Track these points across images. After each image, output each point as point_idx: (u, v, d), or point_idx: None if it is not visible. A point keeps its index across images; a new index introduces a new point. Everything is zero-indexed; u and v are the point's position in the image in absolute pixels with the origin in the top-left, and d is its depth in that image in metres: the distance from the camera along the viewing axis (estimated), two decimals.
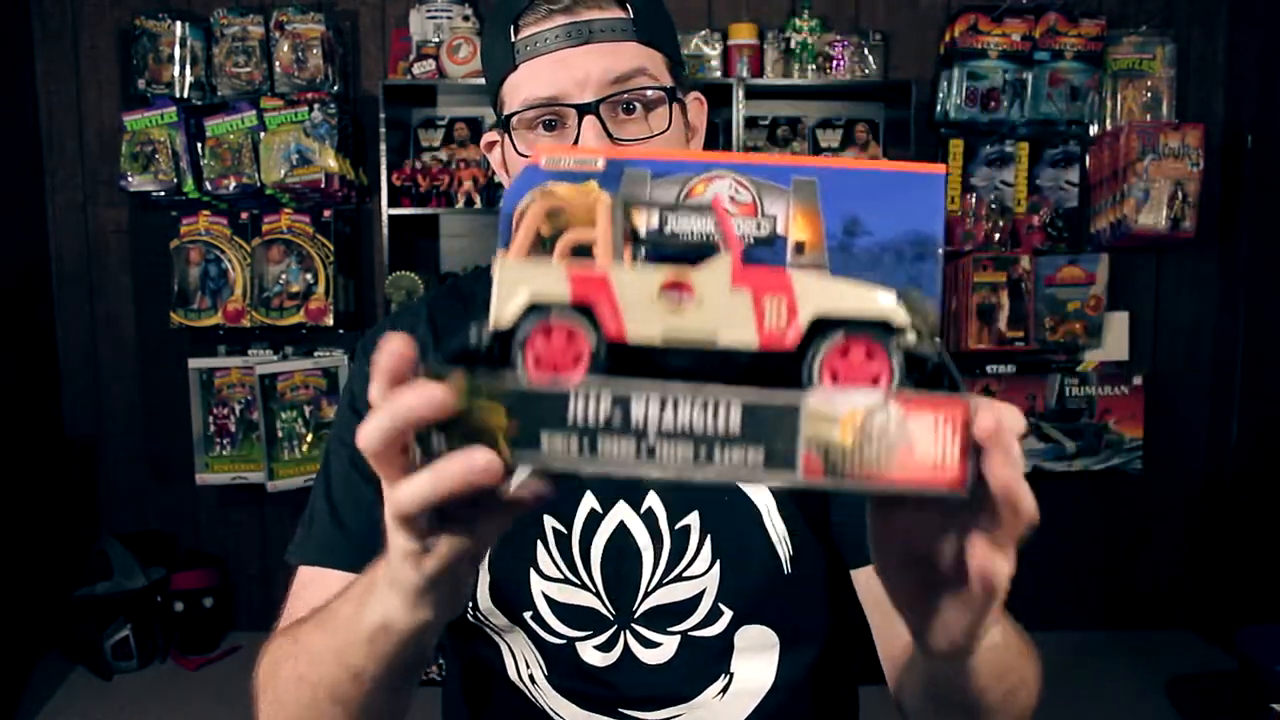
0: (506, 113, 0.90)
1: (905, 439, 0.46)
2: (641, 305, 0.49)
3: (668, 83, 0.90)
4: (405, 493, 0.50)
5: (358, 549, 0.89)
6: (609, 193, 0.52)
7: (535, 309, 0.50)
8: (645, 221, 0.52)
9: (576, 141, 0.86)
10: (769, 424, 0.46)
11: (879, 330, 0.49)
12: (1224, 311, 3.50)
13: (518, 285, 0.50)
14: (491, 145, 0.99)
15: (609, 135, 0.86)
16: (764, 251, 0.53)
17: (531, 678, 0.99)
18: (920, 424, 0.46)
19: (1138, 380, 3.40)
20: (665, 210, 0.52)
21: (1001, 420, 0.46)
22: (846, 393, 0.47)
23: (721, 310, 0.49)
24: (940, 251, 0.53)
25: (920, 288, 0.52)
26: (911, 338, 0.49)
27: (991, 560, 0.49)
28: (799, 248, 0.53)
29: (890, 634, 0.87)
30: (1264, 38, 3.33)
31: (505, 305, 0.50)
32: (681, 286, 0.50)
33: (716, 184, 0.54)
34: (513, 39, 0.88)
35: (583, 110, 0.85)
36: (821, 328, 0.49)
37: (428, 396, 0.48)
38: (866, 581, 0.90)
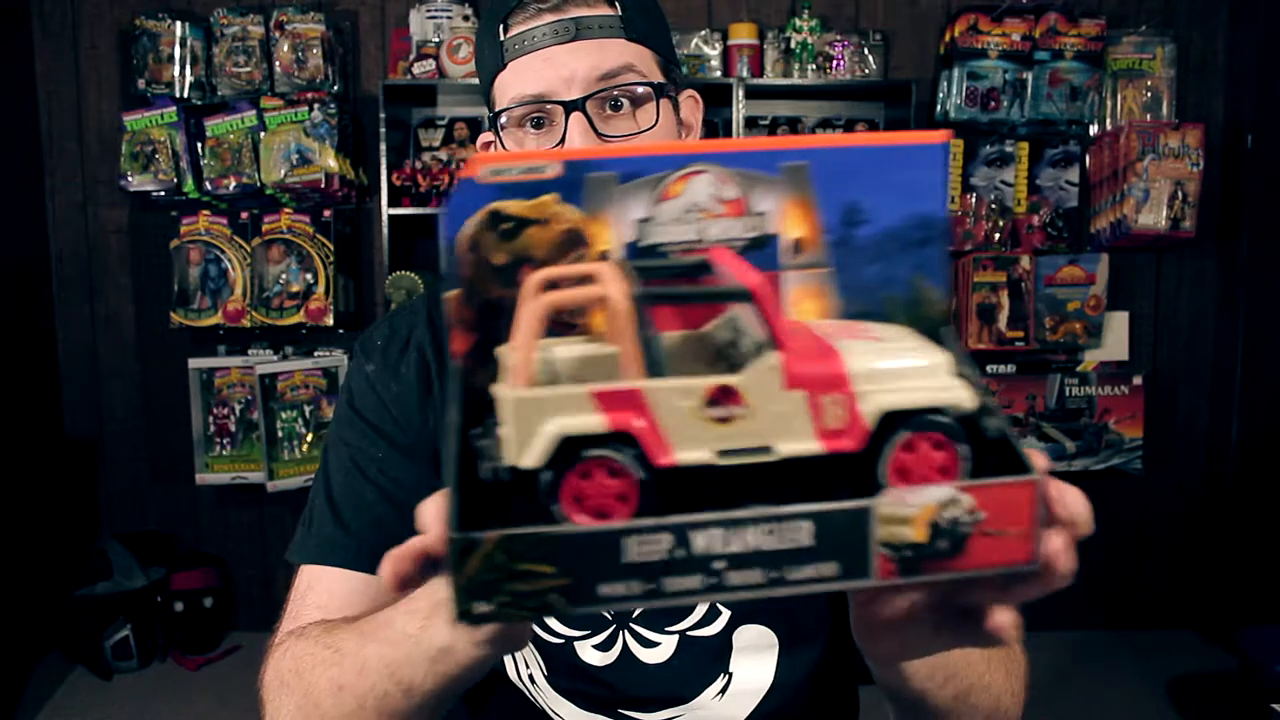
0: (496, 111, 0.90)
1: (977, 527, 0.43)
2: (686, 421, 0.44)
3: (657, 79, 0.90)
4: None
5: (360, 547, 0.89)
6: (625, 275, 0.44)
7: (566, 445, 0.43)
8: (616, 235, 0.47)
9: (563, 139, 0.86)
10: (840, 534, 0.43)
11: (946, 422, 0.46)
12: (1224, 311, 3.49)
13: (537, 420, 0.43)
14: (488, 145, 0.99)
15: (596, 132, 0.86)
16: (756, 256, 0.48)
17: (531, 678, 0.99)
18: (992, 511, 0.43)
19: (1138, 380, 3.40)
20: (639, 223, 0.47)
21: (1074, 511, 0.46)
22: (917, 491, 0.43)
23: (775, 417, 0.44)
24: (946, 234, 0.50)
25: (926, 275, 0.50)
26: (983, 420, 0.46)
27: (1009, 616, 0.48)
28: (796, 247, 0.49)
29: None
30: (1264, 38, 3.33)
31: (527, 445, 0.43)
32: (729, 395, 0.44)
33: (696, 182, 0.48)
34: (501, 38, 0.88)
35: (569, 107, 0.85)
36: (886, 423, 0.45)
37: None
38: None
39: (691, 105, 1.01)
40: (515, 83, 0.87)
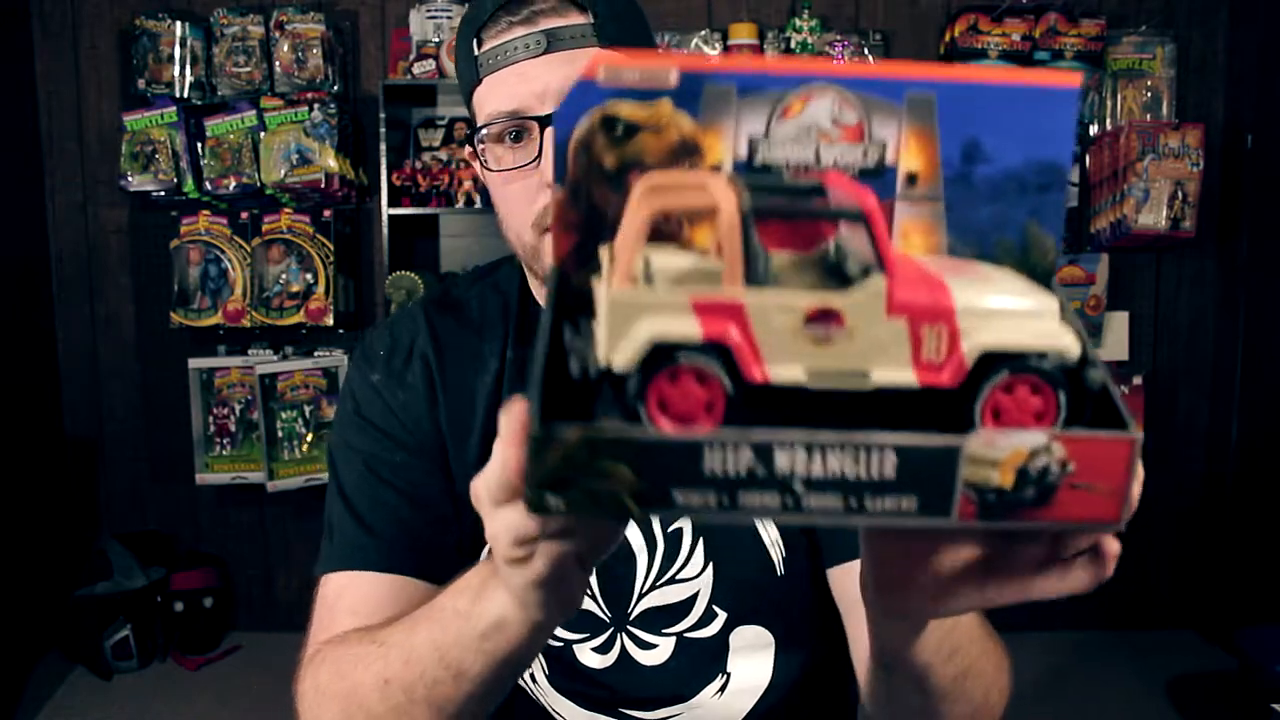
0: (473, 128, 0.90)
1: (1066, 479, 0.42)
2: (783, 338, 0.43)
3: None
4: (503, 524, 0.48)
5: (388, 549, 0.88)
6: (737, 189, 0.43)
7: (659, 350, 0.42)
8: (730, 149, 0.46)
9: (539, 154, 0.85)
10: (925, 469, 0.42)
11: (1047, 367, 0.44)
12: (1224, 311, 3.50)
13: (633, 321, 0.42)
14: (474, 158, 0.98)
15: None
16: (871, 184, 0.47)
17: (533, 677, 0.99)
18: (1084, 464, 0.42)
19: (1138, 380, 3.40)
20: (754, 139, 0.45)
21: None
22: (1009, 434, 0.42)
23: (874, 343, 0.43)
24: (1065, 182, 0.48)
25: (1042, 222, 0.48)
26: (1086, 371, 0.44)
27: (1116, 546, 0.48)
28: (910, 179, 0.47)
29: (864, 635, 0.86)
30: (1264, 38, 3.33)
31: (620, 345, 0.42)
32: (829, 315, 0.43)
33: (816, 102, 0.46)
34: (476, 52, 0.87)
35: (544, 122, 0.84)
36: (986, 362, 0.44)
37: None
38: (841, 580, 0.90)
39: None
40: (490, 98, 0.87)
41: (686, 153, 0.47)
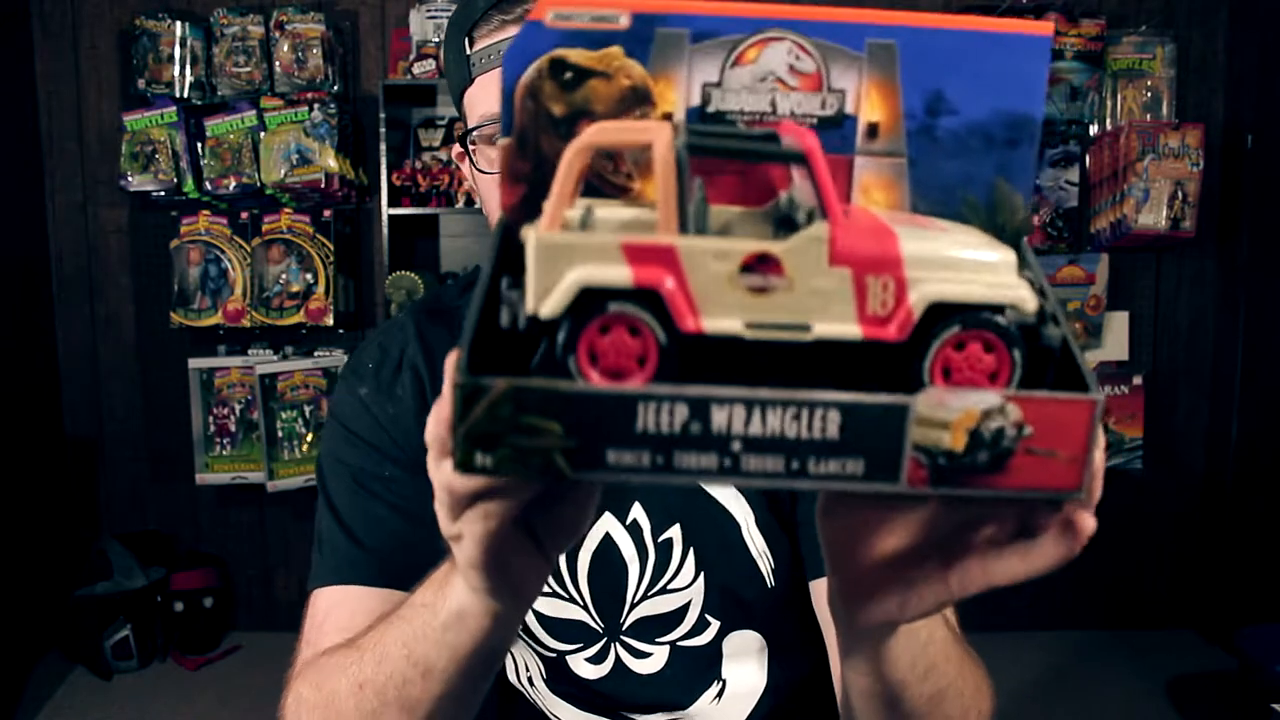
0: (465, 129, 0.88)
1: (1022, 443, 0.39)
2: (718, 287, 0.40)
3: None
4: (438, 483, 0.46)
5: (379, 563, 0.87)
6: (668, 132, 0.41)
7: (587, 296, 0.40)
8: (682, 97, 0.43)
9: None
10: (870, 430, 0.39)
11: (1002, 322, 0.41)
12: (1224, 311, 3.49)
13: (560, 265, 0.40)
14: (463, 156, 0.97)
15: None
16: (830, 136, 0.45)
17: (530, 680, 0.99)
18: (1042, 427, 0.39)
19: (1138, 380, 3.40)
20: (708, 87, 0.43)
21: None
22: (960, 393, 0.39)
23: (815, 293, 0.41)
24: (1037, 136, 0.45)
25: (1011, 179, 0.45)
26: (1043, 328, 0.42)
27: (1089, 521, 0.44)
28: (871, 130, 0.45)
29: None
30: (1264, 38, 3.32)
31: (547, 292, 0.40)
32: (768, 263, 0.41)
33: (772, 49, 0.44)
34: (467, 51, 0.85)
35: None
36: (935, 315, 0.41)
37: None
38: (822, 594, 0.88)
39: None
40: (483, 99, 0.85)
41: (638, 100, 0.45)
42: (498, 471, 0.40)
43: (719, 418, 0.39)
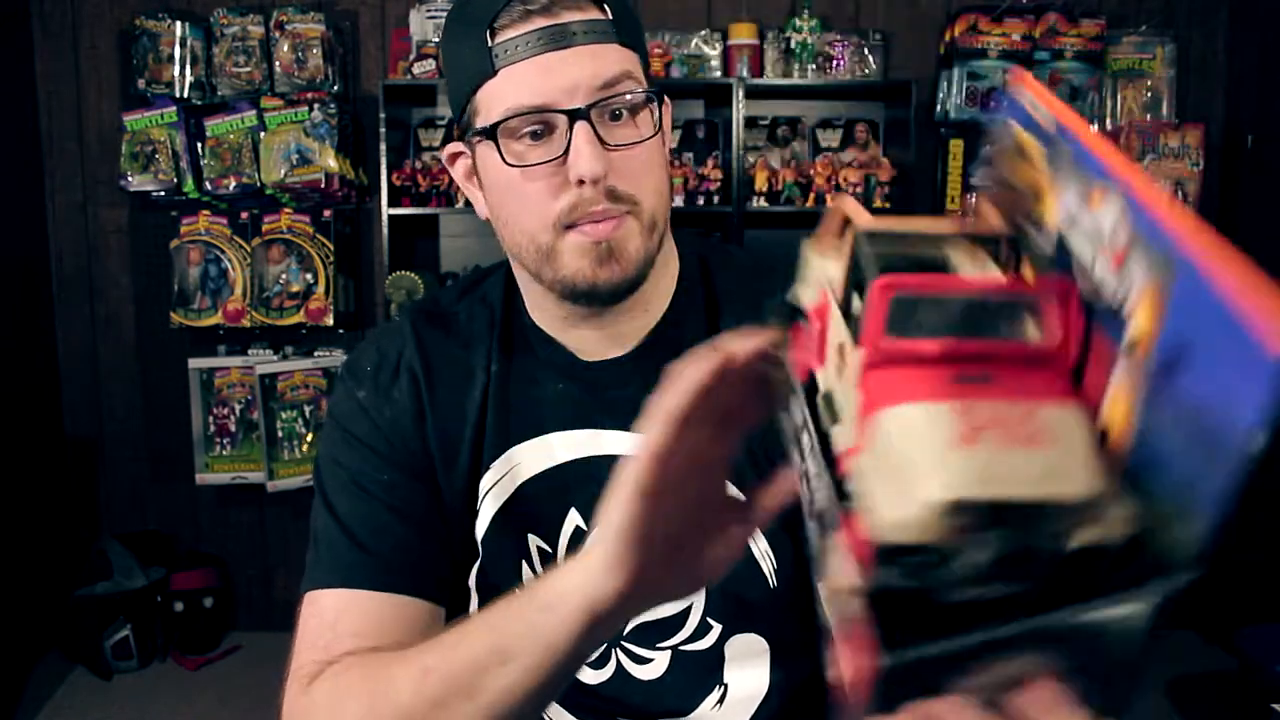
0: (489, 122, 0.84)
1: (848, 636, 0.42)
2: (832, 353, 0.46)
3: (646, 85, 0.87)
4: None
5: (384, 567, 0.86)
6: (863, 236, 0.42)
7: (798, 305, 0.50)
8: (1057, 216, 0.42)
9: (567, 150, 0.81)
10: (825, 523, 0.45)
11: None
12: None
13: (804, 274, 0.50)
14: (456, 157, 0.93)
15: (601, 141, 0.82)
16: (1108, 322, 0.38)
17: None
18: (854, 641, 0.41)
19: None
20: (1070, 217, 0.40)
21: None
22: (843, 557, 0.41)
23: (848, 401, 0.43)
24: (1232, 468, 0.33)
25: (1189, 500, 0.35)
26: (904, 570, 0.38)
27: None
28: (1130, 347, 0.37)
29: None
30: (1264, 38, 3.32)
31: (800, 287, 0.51)
32: (844, 356, 0.44)
33: (1109, 207, 0.39)
34: (490, 44, 0.82)
35: (574, 116, 0.81)
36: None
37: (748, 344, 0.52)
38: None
39: (666, 110, 0.96)
40: (510, 92, 0.82)
41: (1035, 198, 0.44)
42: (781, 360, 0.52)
43: (805, 440, 0.49)
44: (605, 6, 0.84)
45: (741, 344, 0.52)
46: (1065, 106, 0.43)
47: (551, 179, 0.83)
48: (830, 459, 0.44)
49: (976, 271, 0.43)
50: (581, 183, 0.81)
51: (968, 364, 0.40)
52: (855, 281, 0.42)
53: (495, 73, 0.83)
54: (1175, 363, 0.35)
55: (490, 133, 0.84)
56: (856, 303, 0.42)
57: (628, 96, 0.84)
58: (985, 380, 0.39)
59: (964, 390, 0.39)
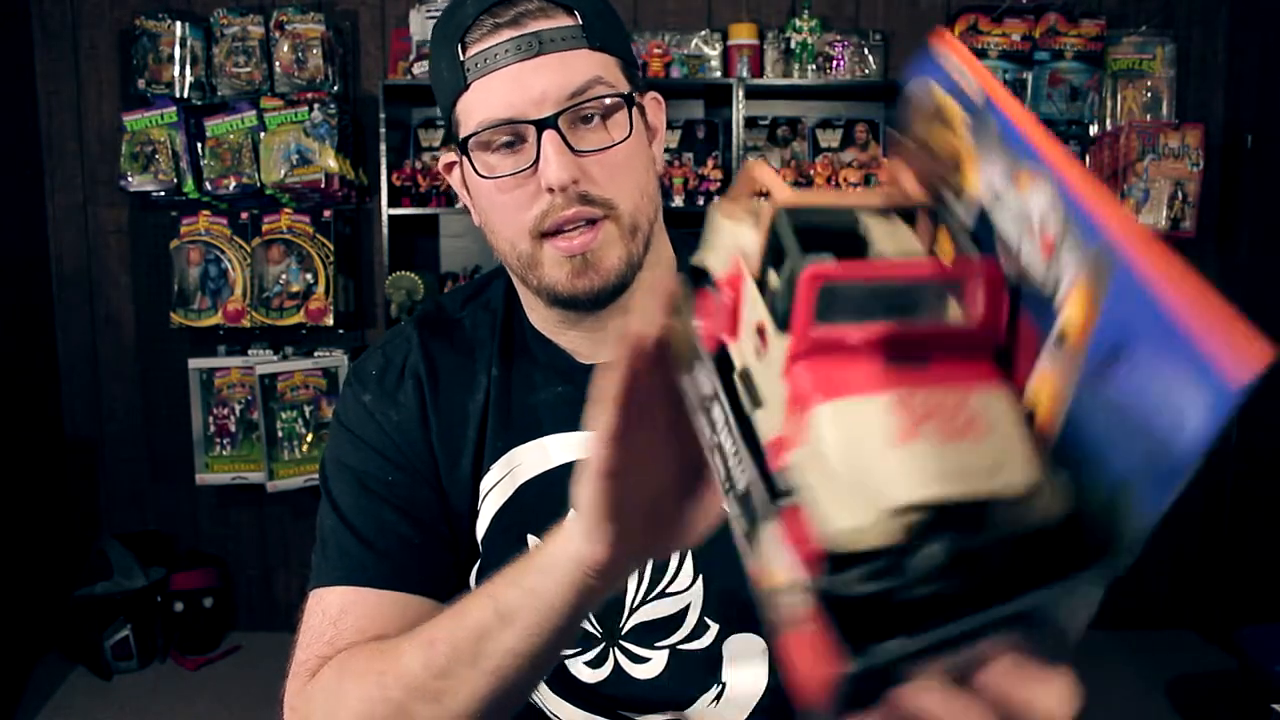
0: (463, 135, 0.87)
1: (797, 633, 0.39)
2: (747, 329, 0.43)
3: (624, 88, 0.87)
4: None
5: (390, 566, 0.87)
6: (778, 207, 0.41)
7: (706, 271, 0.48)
8: (979, 187, 0.42)
9: (537, 159, 0.83)
10: (752, 512, 0.43)
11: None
12: None
13: (710, 239, 0.48)
14: (450, 167, 0.96)
15: (570, 148, 0.83)
16: (1034, 307, 0.39)
17: None
18: (810, 639, 0.38)
19: None
20: (994, 193, 0.40)
21: None
22: (782, 549, 0.40)
23: (773, 387, 0.41)
24: (1173, 484, 0.34)
25: (1138, 500, 0.36)
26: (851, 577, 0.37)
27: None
28: (1060, 338, 0.37)
29: None
30: (1264, 38, 3.33)
31: (705, 253, 0.48)
32: (763, 337, 0.42)
33: (1039, 190, 0.39)
34: (461, 57, 0.84)
35: (541, 125, 0.83)
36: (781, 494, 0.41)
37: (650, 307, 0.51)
38: None
39: (655, 108, 0.96)
40: (481, 105, 0.84)
41: (955, 166, 0.44)
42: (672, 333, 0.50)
43: (716, 412, 0.46)
44: (576, 12, 0.85)
45: (647, 324, 0.50)
46: (993, 78, 0.42)
47: (524, 188, 0.85)
48: (754, 445, 0.42)
49: (895, 245, 0.43)
50: (552, 190, 0.83)
51: (896, 349, 0.39)
52: (773, 258, 0.41)
53: (468, 86, 0.85)
54: (1112, 360, 0.35)
55: (464, 146, 0.86)
56: (774, 279, 0.41)
57: (599, 101, 0.85)
58: (915, 364, 0.39)
59: (896, 378, 0.39)
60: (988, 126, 0.41)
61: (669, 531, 0.59)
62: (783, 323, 0.40)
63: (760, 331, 0.42)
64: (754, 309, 0.42)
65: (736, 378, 0.44)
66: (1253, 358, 0.33)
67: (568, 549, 0.60)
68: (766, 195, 0.47)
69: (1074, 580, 0.37)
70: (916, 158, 0.45)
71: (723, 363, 0.46)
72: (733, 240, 0.45)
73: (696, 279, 0.49)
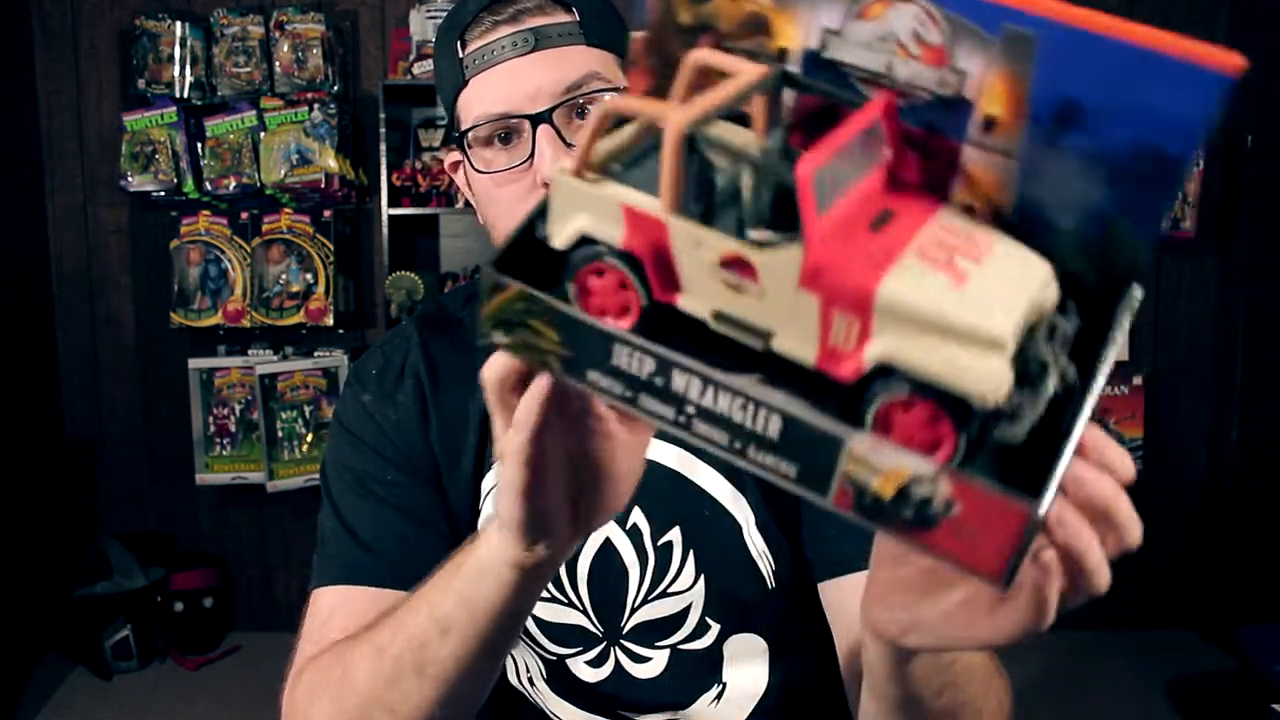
0: (461, 130, 0.88)
1: (949, 517, 0.38)
2: (700, 271, 0.42)
3: (621, 83, 0.87)
4: (486, 375, 0.53)
5: (385, 565, 0.87)
6: (682, 114, 0.39)
7: (586, 241, 0.44)
8: (801, 37, 0.42)
9: (532, 154, 0.84)
10: (807, 444, 0.39)
11: (952, 400, 0.38)
12: (1224, 311, 3.49)
13: (570, 209, 0.44)
14: (456, 165, 0.96)
15: (564, 142, 0.84)
16: (941, 116, 0.41)
17: (531, 680, 0.99)
18: (970, 512, 0.37)
19: (1138, 380, 3.40)
20: (827, 33, 0.41)
21: (1085, 552, 0.45)
22: (895, 451, 0.38)
23: (783, 309, 0.41)
24: (1176, 181, 0.38)
25: (1132, 219, 0.39)
26: (1004, 423, 0.39)
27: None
28: (988, 123, 0.40)
29: (854, 649, 0.85)
30: (1264, 38, 3.32)
31: (558, 227, 0.45)
32: (743, 267, 0.40)
33: (899, 10, 0.40)
34: (460, 54, 0.86)
35: (535, 120, 0.83)
36: (889, 371, 0.40)
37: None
38: (830, 595, 0.88)
39: None
40: (479, 101, 0.85)
41: (757, 27, 0.44)
42: (511, 350, 0.46)
43: (679, 381, 0.42)
44: (573, 8, 0.86)
45: (496, 361, 0.51)
46: None
47: (520, 183, 0.86)
48: (789, 376, 0.41)
49: (739, 137, 0.43)
50: (546, 185, 0.83)
51: (875, 207, 0.42)
52: (700, 185, 0.41)
53: (467, 82, 0.86)
54: (1065, 120, 0.38)
55: (461, 141, 0.87)
56: (696, 207, 0.41)
57: (595, 95, 0.85)
58: (896, 215, 0.42)
59: (902, 233, 0.41)
60: None
61: (590, 512, 0.58)
62: (780, 236, 0.40)
63: (732, 263, 0.41)
64: (704, 247, 0.41)
65: (715, 326, 0.43)
66: (1228, 59, 0.37)
67: (502, 553, 0.59)
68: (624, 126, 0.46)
69: (1118, 323, 0.44)
70: (719, 40, 0.44)
71: (663, 327, 0.44)
72: (603, 201, 0.43)
73: (566, 262, 0.46)
